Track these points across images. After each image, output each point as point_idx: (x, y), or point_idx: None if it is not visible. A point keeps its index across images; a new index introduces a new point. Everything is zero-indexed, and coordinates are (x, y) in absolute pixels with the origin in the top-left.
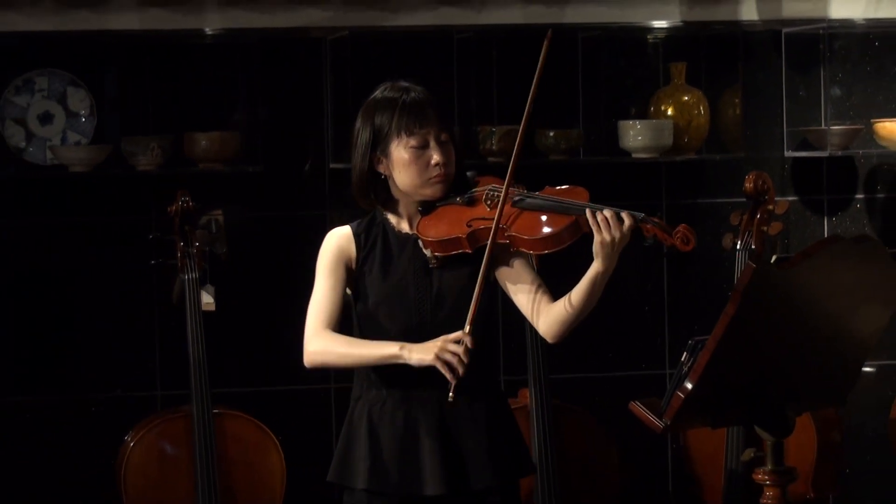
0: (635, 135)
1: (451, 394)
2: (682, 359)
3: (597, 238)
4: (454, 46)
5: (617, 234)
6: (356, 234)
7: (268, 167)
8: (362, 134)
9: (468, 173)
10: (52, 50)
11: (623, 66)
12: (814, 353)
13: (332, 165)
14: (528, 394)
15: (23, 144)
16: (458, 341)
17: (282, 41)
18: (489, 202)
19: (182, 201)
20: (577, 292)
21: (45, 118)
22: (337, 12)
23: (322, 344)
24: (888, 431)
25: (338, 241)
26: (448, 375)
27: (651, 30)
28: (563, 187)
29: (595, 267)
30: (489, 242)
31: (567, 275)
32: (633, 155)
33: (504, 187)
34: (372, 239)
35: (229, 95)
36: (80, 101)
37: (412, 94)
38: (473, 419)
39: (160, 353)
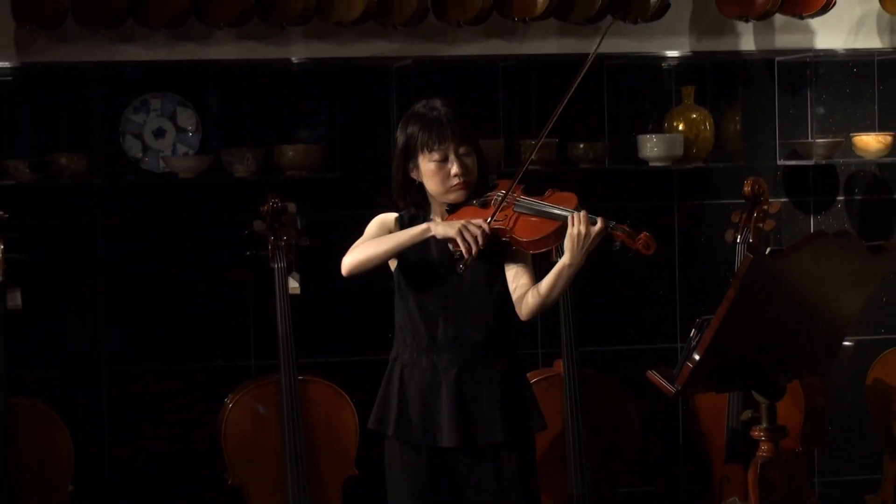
0: (652, 146)
1: (461, 265)
2: (691, 334)
3: (568, 231)
4: (499, 72)
5: (584, 230)
6: (399, 221)
7: (343, 174)
8: (398, 144)
9: (490, 177)
10: (165, 76)
11: (641, 88)
12: (802, 329)
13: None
14: (562, 364)
15: (140, 155)
16: (477, 225)
17: (355, 68)
18: (495, 205)
19: (272, 202)
20: (545, 282)
21: (159, 133)
22: (402, 44)
23: (358, 249)
24: (864, 396)
25: (384, 219)
26: (463, 248)
27: (665, 58)
28: (557, 194)
29: (563, 259)
30: (489, 220)
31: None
32: (650, 163)
33: (507, 190)
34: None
35: (312, 114)
36: (187, 118)
37: (435, 113)
38: (489, 382)
39: (254, 330)
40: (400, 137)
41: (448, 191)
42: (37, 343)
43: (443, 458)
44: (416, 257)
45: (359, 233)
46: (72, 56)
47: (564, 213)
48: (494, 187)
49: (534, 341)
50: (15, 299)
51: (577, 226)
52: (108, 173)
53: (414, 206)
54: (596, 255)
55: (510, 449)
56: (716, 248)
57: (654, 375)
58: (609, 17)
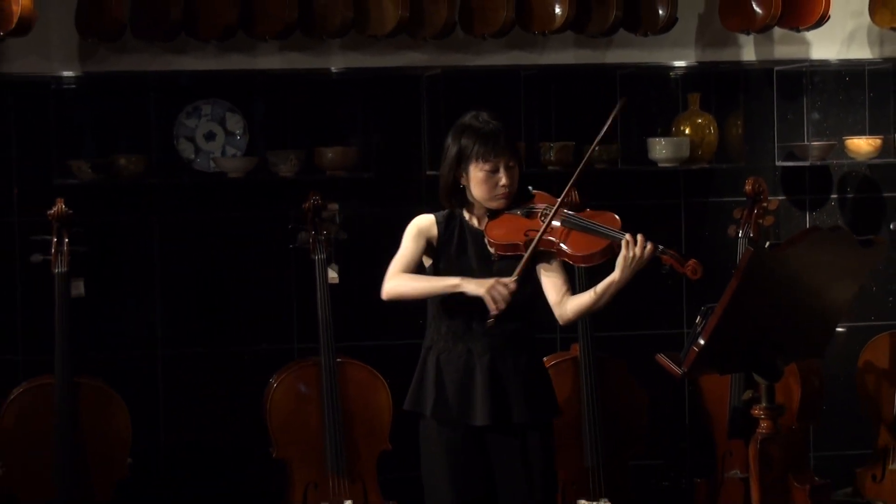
0: (660, 149)
1: (490, 320)
2: (697, 321)
3: (622, 253)
4: (521, 81)
5: (638, 253)
6: (438, 222)
7: (378, 174)
8: (450, 151)
9: (528, 188)
10: (215, 84)
11: (651, 95)
12: (798, 316)
13: (427, 172)
14: (578, 347)
15: (192, 157)
16: (504, 285)
17: (389, 77)
18: (543, 219)
19: (313, 200)
20: (591, 294)
21: (210, 136)
22: (432, 55)
23: (398, 280)
24: (856, 377)
25: (422, 222)
26: (492, 307)
27: (673, 68)
28: (600, 212)
29: (613, 276)
30: (533, 244)
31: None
32: (659, 164)
33: (555, 208)
34: (451, 228)
35: (349, 119)
36: (235, 123)
37: (490, 127)
38: (516, 368)
39: (296, 316)
40: (453, 145)
41: (493, 198)
42: (98, 328)
43: (476, 436)
44: (452, 257)
45: (393, 227)
46: (130, 66)
47: (618, 235)
48: (532, 198)
49: (552, 326)
50: (78, 288)
51: (632, 249)
52: (164, 173)
53: (458, 206)
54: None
55: (534, 429)
56: (719, 241)
57: (662, 358)
58: (622, 100)
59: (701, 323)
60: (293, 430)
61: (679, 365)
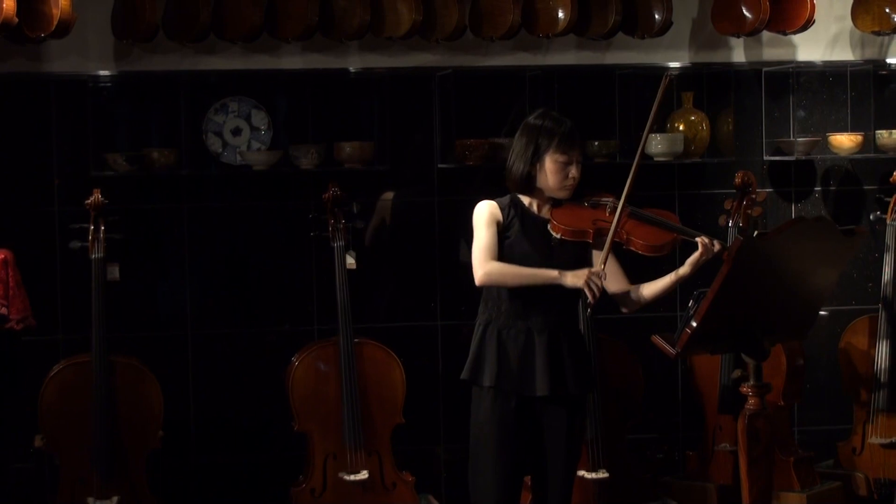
0: (656, 144)
1: (589, 310)
2: (689, 304)
3: (698, 254)
4: (526, 80)
5: (711, 254)
6: (502, 207)
7: (393, 166)
8: (528, 146)
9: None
10: (241, 82)
11: (647, 94)
12: (784, 300)
13: (440, 165)
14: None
15: (220, 150)
16: (598, 275)
17: (403, 76)
18: (609, 210)
19: (332, 191)
20: (659, 285)
21: (236, 131)
22: (443, 56)
23: (495, 267)
24: (837, 358)
25: (491, 207)
26: (590, 296)
27: (668, 68)
28: (659, 210)
29: (682, 272)
30: (610, 234)
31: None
32: (655, 158)
33: (621, 202)
34: (514, 213)
35: (366, 115)
36: (260, 119)
37: (568, 125)
38: (570, 345)
39: (317, 299)
40: (530, 141)
41: (563, 188)
42: (132, 309)
43: (529, 406)
44: (514, 239)
45: (405, 217)
46: (162, 66)
47: (691, 231)
48: (589, 195)
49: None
50: (114, 272)
51: (708, 249)
52: (193, 166)
53: (520, 191)
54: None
55: (579, 401)
56: (711, 230)
57: (657, 339)
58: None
59: (693, 306)
60: (313, 405)
61: (673, 345)
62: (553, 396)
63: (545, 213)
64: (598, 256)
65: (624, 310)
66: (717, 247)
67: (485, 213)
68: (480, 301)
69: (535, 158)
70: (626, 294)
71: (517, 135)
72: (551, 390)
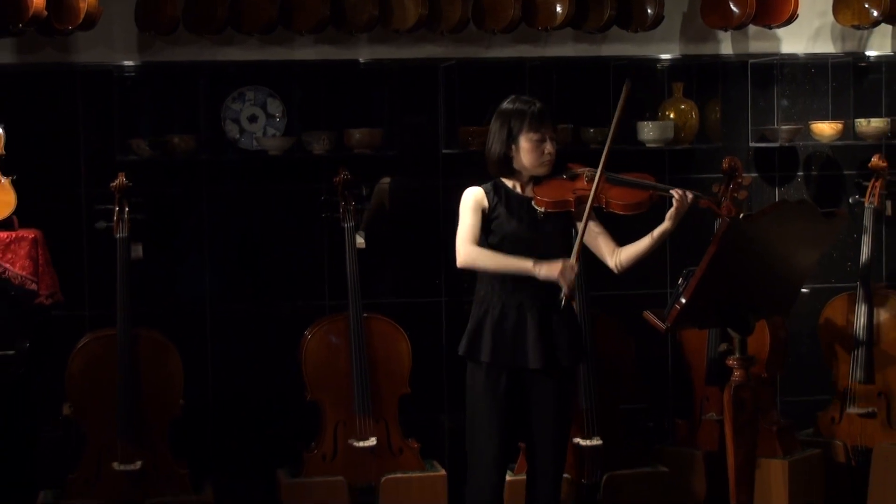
0: (648, 131)
1: (563, 300)
2: (679, 282)
3: (674, 206)
4: (526, 71)
5: (686, 205)
6: (486, 192)
7: (400, 152)
8: (501, 129)
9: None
10: (257, 73)
11: (640, 84)
12: (768, 279)
13: (444, 151)
14: (575, 305)
15: (237, 136)
16: (572, 268)
17: (410, 67)
18: (587, 179)
19: (343, 175)
20: (646, 241)
21: (252, 119)
22: (448, 48)
23: (475, 251)
24: (817, 333)
25: (477, 194)
26: (565, 288)
27: (660, 60)
28: (635, 173)
29: (665, 226)
30: (589, 203)
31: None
32: (647, 145)
33: (599, 168)
34: (498, 196)
35: (375, 104)
36: (276, 107)
37: (537, 105)
38: (560, 321)
39: (328, 277)
40: (503, 125)
41: (541, 164)
42: (154, 286)
43: (520, 378)
44: (502, 220)
45: (411, 200)
46: (182, 56)
47: (663, 188)
48: (568, 168)
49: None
50: (137, 251)
51: (682, 200)
52: (212, 151)
53: (505, 175)
54: (604, 217)
55: (569, 373)
56: (699, 213)
57: (649, 315)
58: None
59: (683, 284)
60: (325, 375)
61: (663, 321)
62: (545, 369)
63: (528, 192)
64: (595, 233)
65: (614, 269)
66: (690, 197)
67: (470, 200)
68: (477, 280)
69: (511, 140)
70: (614, 253)
71: (492, 121)
72: (543, 363)
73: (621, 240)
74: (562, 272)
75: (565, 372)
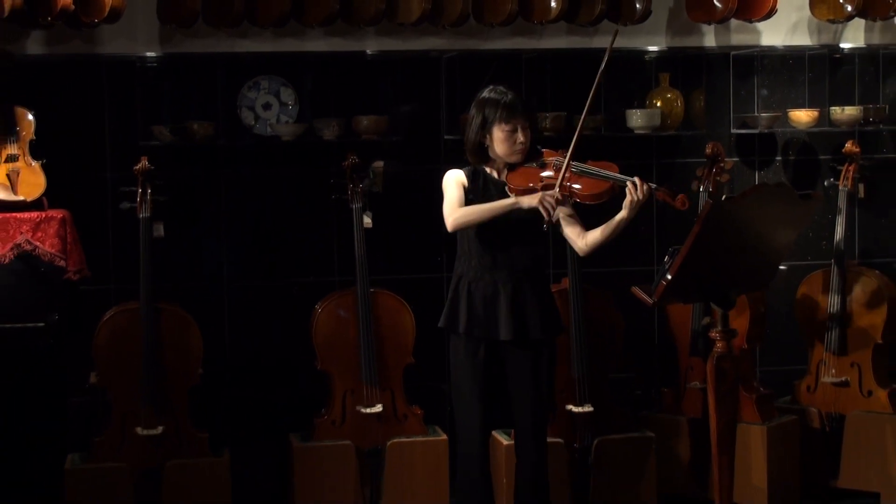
0: (637, 118)
1: (546, 225)
2: (665, 259)
3: (628, 197)
4: (523, 62)
5: (641, 196)
6: (466, 175)
7: (405, 138)
8: (476, 119)
9: (538, 147)
10: (271, 63)
11: (629, 74)
12: (748, 256)
13: (446, 136)
14: (568, 281)
15: (253, 123)
16: (551, 195)
17: (414, 58)
18: (554, 168)
19: (351, 159)
20: (606, 229)
21: (267, 106)
22: (449, 40)
23: (462, 211)
24: (794, 307)
25: (457, 174)
26: (545, 214)
27: (647, 52)
28: (601, 162)
29: (622, 215)
30: (558, 183)
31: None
32: (635, 131)
33: (566, 160)
34: (477, 180)
35: (381, 92)
36: (288, 95)
37: (510, 96)
38: (532, 295)
39: (337, 254)
40: (478, 113)
41: (513, 153)
42: (175, 263)
43: (497, 350)
44: (479, 202)
45: (416, 182)
46: (201, 48)
47: (621, 178)
48: (541, 154)
49: (547, 263)
50: (159, 230)
51: (637, 190)
52: (229, 136)
53: (481, 162)
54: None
55: (543, 345)
56: (684, 194)
57: (636, 290)
58: (615, 28)
59: (668, 261)
60: (334, 346)
61: (650, 296)
62: (517, 341)
63: (504, 177)
64: (562, 215)
65: (579, 251)
66: (644, 188)
67: (452, 178)
68: (455, 258)
69: (485, 130)
70: (580, 236)
71: (471, 110)
72: (514, 336)
73: (591, 221)
74: (541, 199)
75: (539, 342)
